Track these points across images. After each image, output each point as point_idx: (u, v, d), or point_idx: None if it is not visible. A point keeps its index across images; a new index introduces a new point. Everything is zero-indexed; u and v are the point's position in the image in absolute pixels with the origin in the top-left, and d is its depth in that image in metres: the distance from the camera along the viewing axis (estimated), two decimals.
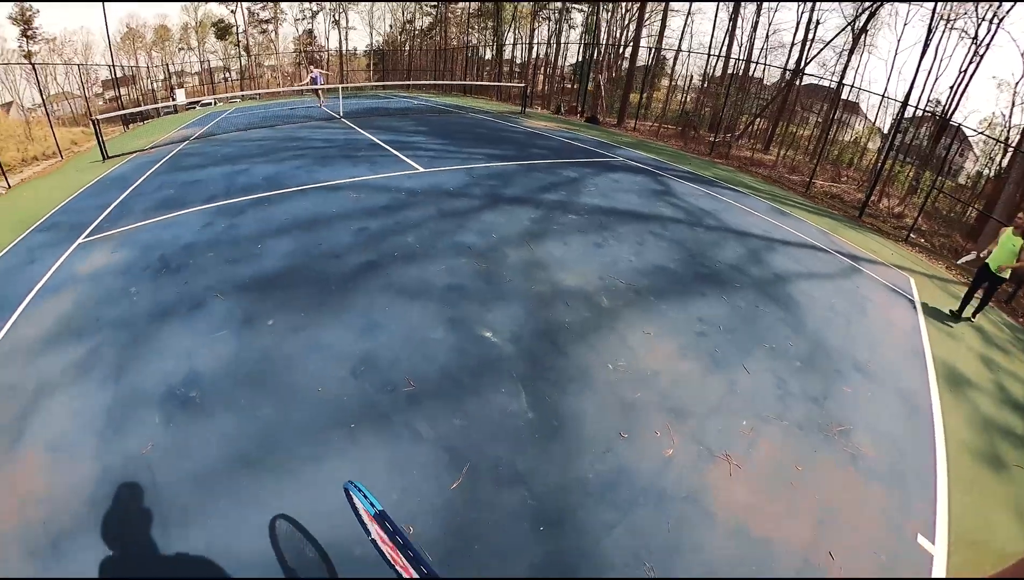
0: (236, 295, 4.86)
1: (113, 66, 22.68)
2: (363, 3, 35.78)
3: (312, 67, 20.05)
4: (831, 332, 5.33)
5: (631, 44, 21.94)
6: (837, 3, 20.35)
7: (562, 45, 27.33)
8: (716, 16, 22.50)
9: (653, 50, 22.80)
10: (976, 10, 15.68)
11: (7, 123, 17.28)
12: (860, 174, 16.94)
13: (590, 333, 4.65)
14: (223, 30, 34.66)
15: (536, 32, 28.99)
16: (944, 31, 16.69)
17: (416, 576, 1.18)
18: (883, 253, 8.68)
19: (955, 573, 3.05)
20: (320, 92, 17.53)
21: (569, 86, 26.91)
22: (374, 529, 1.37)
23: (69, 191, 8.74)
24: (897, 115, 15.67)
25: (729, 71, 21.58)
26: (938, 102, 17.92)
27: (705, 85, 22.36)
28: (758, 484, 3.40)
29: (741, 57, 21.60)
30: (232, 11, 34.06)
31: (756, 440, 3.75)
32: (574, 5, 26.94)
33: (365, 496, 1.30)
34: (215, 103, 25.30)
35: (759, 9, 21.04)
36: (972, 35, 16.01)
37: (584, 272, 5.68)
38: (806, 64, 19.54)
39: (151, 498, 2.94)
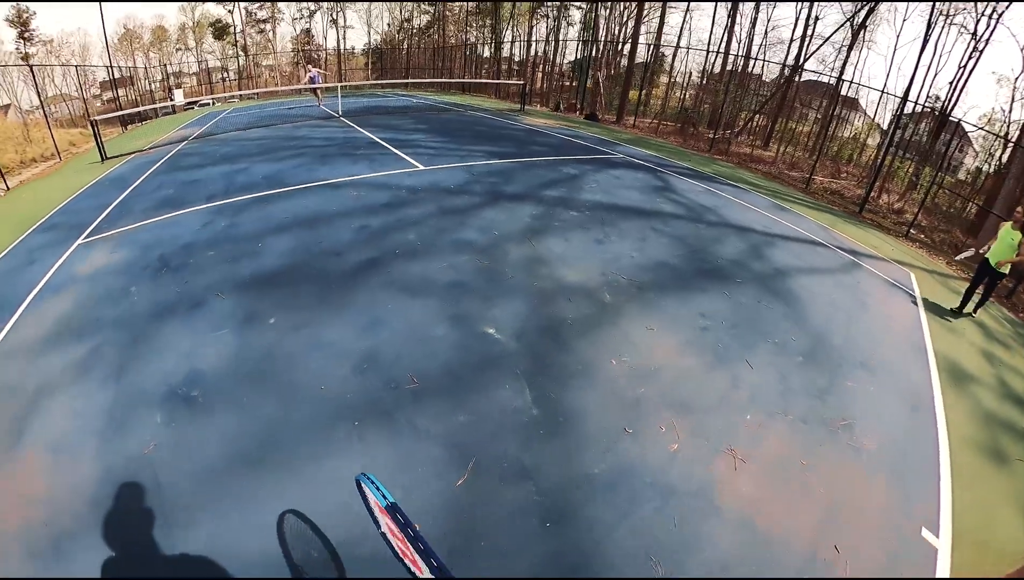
0: (237, 294, 4.85)
1: (111, 67, 22.62)
2: (361, 3, 35.77)
3: (310, 66, 19.99)
4: (833, 327, 5.32)
5: (630, 41, 21.92)
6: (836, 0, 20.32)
7: (560, 42, 27.31)
8: (715, 12, 22.49)
9: (652, 47, 22.77)
10: (975, 6, 15.66)
11: (5, 125, 17.24)
12: (860, 170, 16.93)
13: (593, 329, 4.65)
14: (220, 30, 34.59)
15: (534, 30, 28.95)
16: (943, 27, 16.68)
17: (426, 570, 1.17)
18: (884, 249, 8.67)
19: (960, 569, 3.05)
20: (318, 91, 17.50)
21: (568, 84, 26.87)
22: (385, 522, 1.36)
23: (68, 192, 8.71)
24: (897, 110, 15.66)
25: (728, 67, 21.57)
26: (937, 98, 17.91)
27: (704, 82, 22.34)
28: (764, 478, 3.40)
29: (740, 53, 21.59)
30: (229, 11, 34.01)
31: (761, 434, 3.75)
32: (572, 3, 26.92)
33: (377, 488, 1.30)
34: (213, 103, 25.26)
35: (758, 5, 21.02)
36: (971, 31, 16.00)
37: (586, 268, 5.68)
38: (805, 60, 19.53)
39: (153, 498, 2.93)
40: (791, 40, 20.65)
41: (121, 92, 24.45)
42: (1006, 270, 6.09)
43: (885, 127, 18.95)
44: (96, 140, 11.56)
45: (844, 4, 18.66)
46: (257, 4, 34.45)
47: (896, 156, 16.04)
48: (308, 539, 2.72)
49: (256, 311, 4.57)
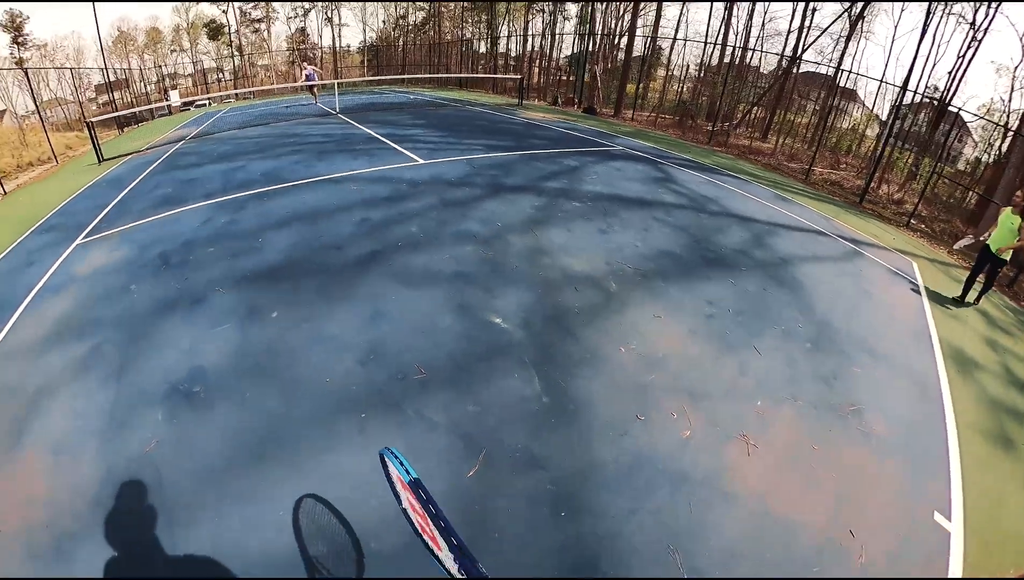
0: (238, 289, 4.81)
1: (106, 69, 22.51)
2: (355, 1, 35.62)
3: (306, 64, 19.90)
4: (838, 314, 5.31)
5: (626, 34, 21.83)
6: None
7: (557, 37, 27.21)
8: (712, 4, 22.40)
9: (649, 39, 22.69)
10: None
11: (1, 130, 17.16)
12: (859, 161, 16.90)
13: (600, 317, 4.62)
14: (215, 30, 34.41)
15: (530, 24, 28.84)
16: (942, 16, 16.60)
17: (445, 547, 1.14)
18: (885, 238, 8.65)
19: (974, 553, 3.03)
20: (315, 89, 17.40)
21: (565, 78, 26.80)
22: (406, 497, 1.35)
23: (66, 194, 8.66)
24: (896, 100, 15.62)
25: (726, 59, 21.49)
26: (936, 88, 17.86)
27: (702, 74, 22.27)
28: (776, 464, 3.38)
29: (738, 45, 21.50)
30: (224, 11, 33.83)
31: (771, 420, 3.73)
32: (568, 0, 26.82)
33: (401, 463, 1.27)
34: (209, 103, 25.17)
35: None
36: (970, 20, 15.92)
37: (591, 258, 5.65)
38: (803, 51, 19.45)
39: (155, 497, 2.89)
40: (788, 31, 20.58)
41: (117, 95, 24.35)
42: (1007, 257, 6.04)
43: (884, 118, 18.90)
44: (93, 142, 11.49)
45: None
46: (251, 4, 34.29)
47: (895, 147, 16.00)
48: (316, 535, 2.69)
49: (258, 306, 4.53)
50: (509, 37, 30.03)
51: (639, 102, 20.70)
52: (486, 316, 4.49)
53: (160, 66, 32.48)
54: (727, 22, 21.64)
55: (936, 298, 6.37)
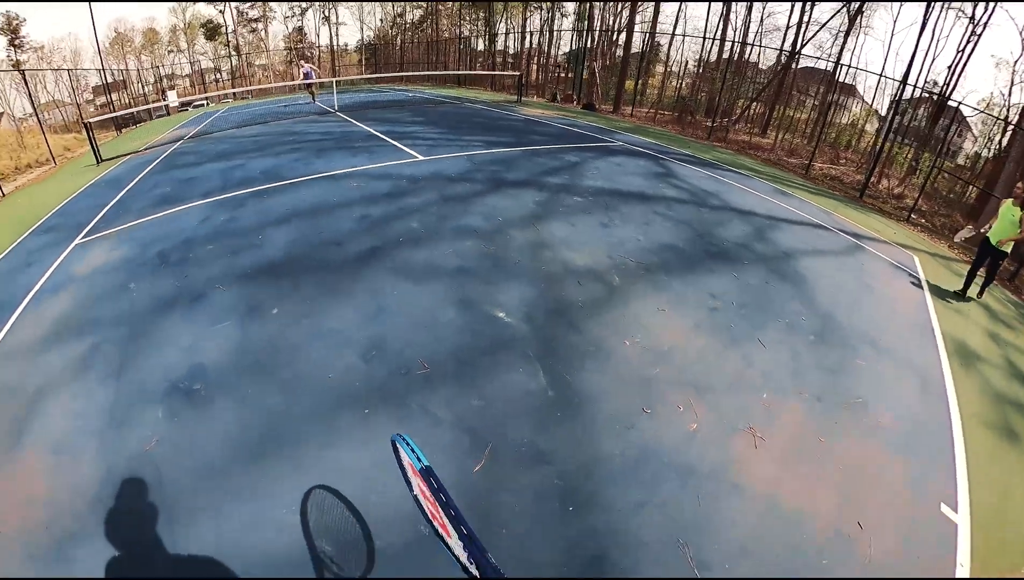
0: (238, 286, 4.78)
1: (103, 71, 22.45)
2: (353, 0, 35.54)
3: (303, 62, 19.83)
4: (841, 307, 5.30)
5: (625, 31, 21.77)
6: None
7: (555, 33, 27.15)
8: (710, 3, 22.35)
9: (647, 35, 22.64)
10: None
11: None
12: (859, 156, 16.87)
13: (604, 311, 4.60)
14: (212, 31, 34.32)
15: (528, 21, 28.77)
16: (941, 10, 16.56)
17: (455, 535, 1.13)
18: (886, 232, 8.64)
19: (981, 545, 3.03)
20: (313, 88, 17.35)
21: (563, 75, 26.75)
22: (417, 483, 1.35)
23: (64, 195, 8.63)
24: (896, 94, 15.58)
25: (724, 55, 21.46)
26: (935, 83, 17.83)
27: (700, 70, 22.23)
28: (783, 456, 3.37)
29: (736, 40, 21.47)
30: (220, 11, 33.74)
31: (777, 413, 3.72)
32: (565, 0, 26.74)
33: (412, 450, 1.27)
34: (207, 103, 25.10)
35: None
36: (969, 14, 15.89)
37: (593, 252, 5.63)
38: (802, 47, 19.42)
39: (156, 495, 2.86)
40: (787, 26, 20.55)
41: (114, 96, 24.28)
42: (1008, 249, 6.02)
43: (883, 113, 18.87)
44: (91, 143, 11.45)
45: None
46: (248, 3, 34.20)
47: (895, 141, 15.98)
48: (321, 532, 2.66)
49: (258, 303, 4.50)
50: (507, 34, 29.97)
51: (638, 98, 20.67)
52: (489, 310, 4.46)
53: (157, 67, 32.40)
54: (725, 17, 21.60)
55: (938, 292, 6.37)
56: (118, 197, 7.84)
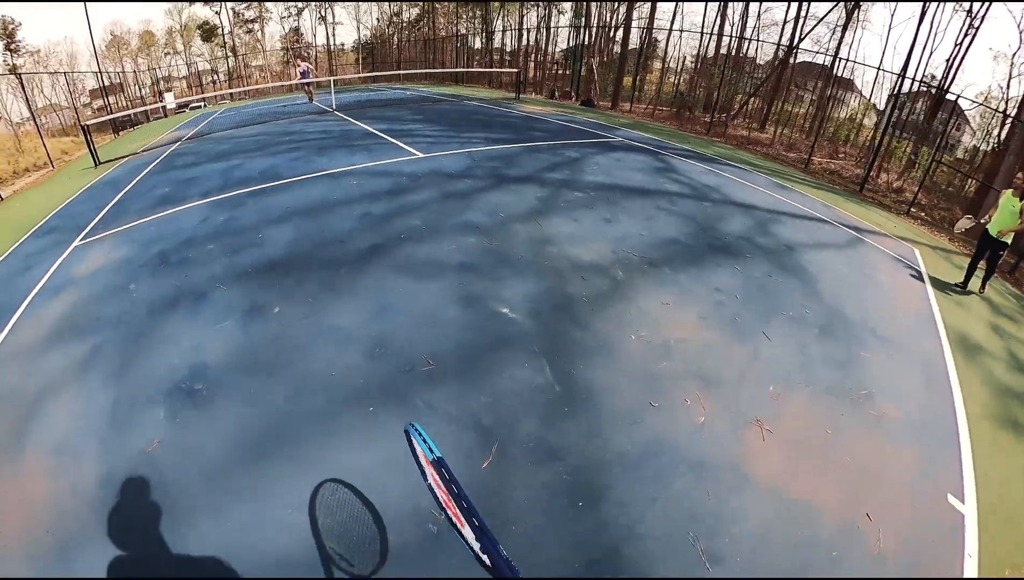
0: (239, 285, 4.75)
1: (100, 73, 22.37)
2: (349, 0, 35.46)
3: (299, 61, 19.77)
4: (844, 300, 5.29)
5: (622, 27, 21.73)
6: None
7: (552, 30, 27.09)
8: (706, 3, 22.30)
9: (644, 31, 22.59)
10: None
11: None
12: (857, 150, 16.86)
13: (609, 305, 4.59)
14: (208, 32, 34.23)
15: (525, 19, 28.70)
16: (939, 4, 16.53)
17: (467, 525, 1.15)
18: (887, 226, 8.64)
19: (989, 535, 3.02)
20: (311, 87, 17.29)
21: (561, 72, 26.70)
22: (431, 473, 1.36)
23: (63, 197, 8.59)
24: (895, 87, 15.57)
25: (722, 50, 21.42)
26: (933, 76, 17.80)
27: (698, 65, 22.20)
28: (791, 448, 3.36)
29: (734, 35, 21.42)
30: (216, 12, 33.64)
31: (784, 405, 3.71)
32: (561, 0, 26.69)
33: (424, 441, 1.29)
34: (205, 105, 25.03)
35: None
36: (967, 8, 15.85)
37: (597, 247, 5.62)
38: (800, 41, 19.39)
39: (159, 497, 2.83)
40: (784, 21, 20.52)
41: (111, 99, 24.19)
42: (1008, 240, 5.99)
43: (881, 107, 18.84)
44: (88, 145, 11.40)
45: None
46: (244, 5, 34.10)
47: (894, 135, 15.96)
48: (329, 532, 2.63)
49: (259, 302, 4.48)
50: (504, 32, 29.91)
51: (636, 94, 20.64)
52: (493, 306, 4.44)
53: (154, 69, 32.31)
54: (723, 13, 21.57)
55: (939, 284, 6.37)
56: (117, 198, 7.81)
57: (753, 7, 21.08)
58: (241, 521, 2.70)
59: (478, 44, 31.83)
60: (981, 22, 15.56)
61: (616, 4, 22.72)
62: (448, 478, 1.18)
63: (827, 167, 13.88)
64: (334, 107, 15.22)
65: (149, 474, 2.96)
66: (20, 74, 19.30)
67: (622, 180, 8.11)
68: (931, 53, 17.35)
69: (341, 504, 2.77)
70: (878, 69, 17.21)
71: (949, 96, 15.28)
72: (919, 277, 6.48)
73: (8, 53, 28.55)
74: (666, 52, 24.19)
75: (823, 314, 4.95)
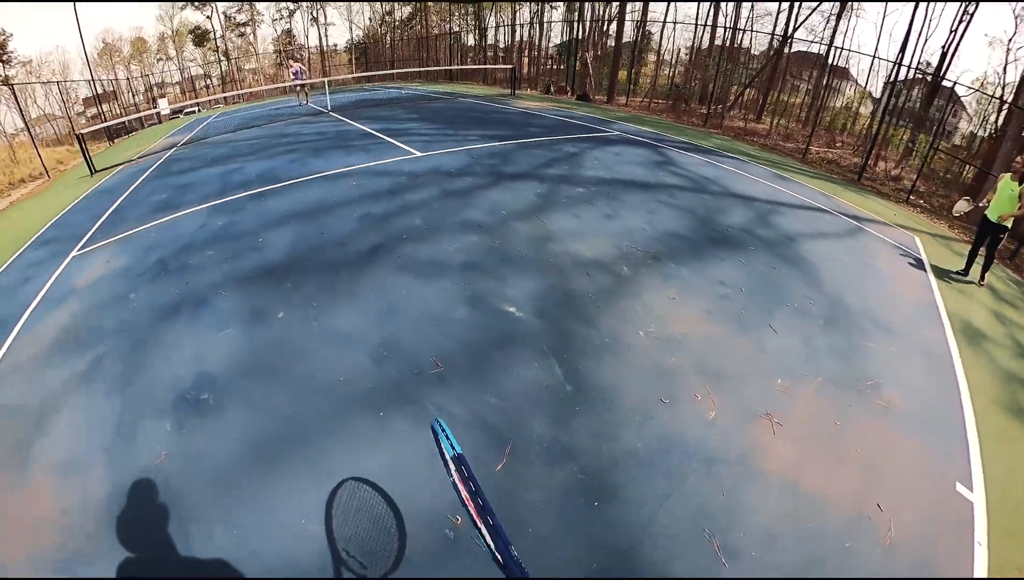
0: (241, 291, 4.72)
1: (93, 81, 22.27)
2: (340, 0, 35.28)
3: (292, 62, 19.68)
4: (847, 290, 5.29)
5: (615, 20, 21.65)
6: None
7: (545, 25, 26.98)
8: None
9: (638, 24, 22.50)
10: None
11: None
12: (854, 139, 16.84)
13: (616, 302, 4.58)
14: (200, 37, 34.06)
15: (518, 14, 28.59)
16: None
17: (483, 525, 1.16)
18: (886, 214, 8.64)
19: (997, 522, 3.02)
20: (305, 88, 17.21)
21: (555, 67, 26.61)
22: (453, 470, 1.38)
23: (59, 207, 8.55)
24: (891, 75, 15.52)
25: (716, 42, 21.35)
26: (929, 63, 17.75)
27: (693, 57, 22.13)
28: (801, 441, 3.36)
29: (727, 26, 21.35)
30: (208, 17, 33.47)
31: (793, 398, 3.70)
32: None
33: (447, 437, 1.31)
34: (199, 110, 24.92)
35: None
36: None
37: (600, 243, 5.61)
38: (794, 31, 19.33)
39: (169, 511, 2.80)
40: (778, 11, 20.46)
41: (105, 106, 24.10)
42: (1008, 224, 5.95)
43: (877, 95, 18.81)
44: (83, 154, 11.35)
45: None
46: (236, 8, 33.93)
47: (890, 123, 15.93)
48: (344, 539, 2.61)
49: (262, 307, 4.45)
50: (497, 28, 29.79)
51: (632, 88, 20.59)
52: (499, 306, 4.42)
53: (147, 75, 32.16)
54: (716, 3, 21.48)
55: (940, 272, 6.36)
56: (114, 206, 7.77)
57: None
58: (254, 530, 2.68)
59: (471, 41, 31.72)
60: (976, 8, 15.51)
61: (609, 2, 22.63)
62: (467, 475, 1.21)
63: (825, 156, 13.86)
64: (329, 108, 15.15)
65: (157, 487, 2.93)
66: (13, 85, 19.17)
67: (621, 174, 8.09)
68: (926, 40, 17.32)
69: (357, 510, 2.75)
70: (873, 57, 17.17)
71: (945, 83, 15.24)
72: (920, 265, 6.47)
73: (0, 64, 28.37)
74: (660, 45, 24.12)
75: (827, 305, 4.94)
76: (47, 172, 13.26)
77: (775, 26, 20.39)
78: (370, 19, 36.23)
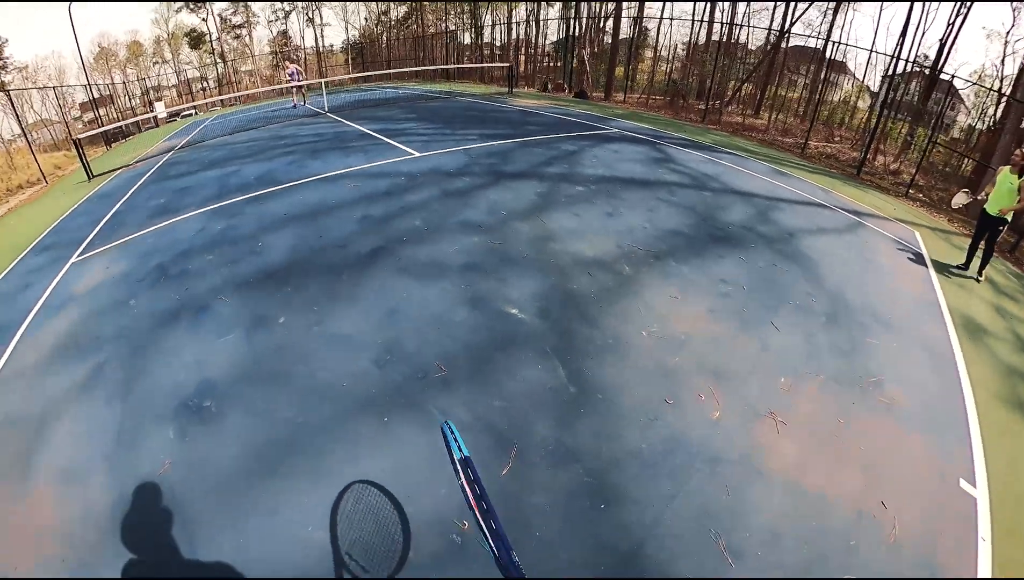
0: (241, 296, 4.71)
1: (89, 86, 22.21)
2: (336, 0, 35.22)
3: (288, 63, 19.61)
4: (848, 286, 5.28)
5: (612, 17, 21.59)
6: None
7: (541, 23, 26.92)
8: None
9: (635, 21, 22.45)
10: None
11: None
12: (853, 133, 16.82)
13: (618, 301, 4.57)
14: (196, 39, 34.02)
15: (514, 12, 28.51)
16: None
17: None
18: (886, 208, 8.62)
19: (1001, 517, 3.03)
20: (302, 90, 17.15)
21: (552, 64, 26.56)
22: (460, 473, 1.39)
23: (58, 213, 8.52)
24: (889, 69, 15.49)
25: (714, 37, 21.30)
26: (926, 56, 17.72)
27: (690, 53, 22.08)
28: (805, 440, 3.36)
29: (724, 21, 21.29)
30: (203, 19, 33.40)
31: (796, 396, 3.70)
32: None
33: (455, 439, 1.34)
34: (196, 112, 24.87)
35: None
36: None
37: (601, 242, 5.60)
38: (791, 25, 19.30)
39: (174, 521, 2.79)
40: (775, 5, 20.40)
41: (102, 111, 24.04)
42: (1009, 217, 5.93)
43: (875, 88, 18.78)
44: (81, 159, 11.31)
45: None
46: (231, 10, 33.84)
47: (889, 117, 15.90)
48: (350, 547, 2.61)
49: (263, 312, 4.43)
50: (494, 26, 29.72)
51: (629, 84, 20.55)
52: (502, 307, 4.41)
53: (143, 79, 32.10)
54: (712, 1, 21.41)
55: (940, 266, 6.35)
56: (112, 212, 7.75)
57: None
58: (261, 538, 2.68)
59: (468, 40, 31.64)
60: (971, 3, 15.46)
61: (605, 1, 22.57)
62: (472, 478, 1.23)
63: (824, 151, 13.84)
64: (326, 109, 15.12)
65: (163, 497, 2.92)
66: (9, 91, 19.11)
67: (621, 172, 8.08)
68: (924, 33, 17.28)
69: (362, 515, 2.75)
70: (871, 51, 17.15)
71: (943, 76, 15.21)
72: (921, 260, 6.46)
73: None
74: (657, 41, 24.06)
75: (828, 302, 4.93)
76: (45, 178, 13.23)
77: (771, 21, 20.36)
78: (366, 19, 36.16)
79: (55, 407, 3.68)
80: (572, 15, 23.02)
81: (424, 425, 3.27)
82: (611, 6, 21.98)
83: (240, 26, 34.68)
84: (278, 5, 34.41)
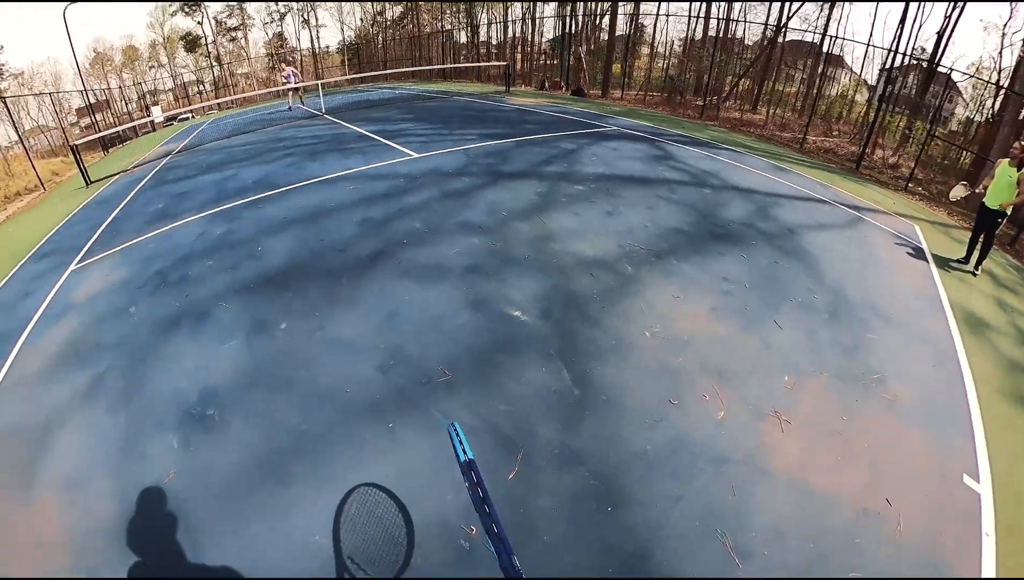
0: (242, 302, 4.69)
1: (85, 91, 22.13)
2: (331, 1, 35.11)
3: (284, 65, 19.54)
4: (849, 282, 5.28)
5: (608, 14, 21.54)
6: None
7: (537, 21, 26.84)
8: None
9: (631, 17, 22.40)
10: None
11: None
12: (851, 127, 16.79)
13: (620, 302, 4.56)
14: (192, 43, 33.92)
15: (510, 10, 28.44)
16: None
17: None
18: (885, 203, 8.62)
19: (1004, 512, 3.03)
20: (300, 91, 17.11)
21: (549, 62, 26.50)
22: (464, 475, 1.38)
23: (56, 220, 8.50)
24: (887, 62, 15.46)
25: (710, 32, 21.25)
26: (923, 49, 17.68)
27: (687, 49, 22.03)
28: (809, 438, 3.36)
29: (721, 17, 21.23)
30: (199, 22, 33.32)
31: (800, 394, 3.70)
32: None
33: (461, 442, 1.34)
34: (192, 116, 24.82)
35: None
36: None
37: (602, 241, 5.58)
38: (788, 20, 19.24)
39: (180, 530, 2.78)
40: (771, 2, 20.32)
41: (99, 116, 23.95)
42: (1009, 211, 5.92)
43: (872, 82, 18.75)
44: (78, 165, 11.28)
45: None
46: (226, 12, 33.75)
47: (887, 110, 15.88)
48: (356, 553, 2.60)
49: (264, 318, 4.42)
50: (490, 25, 29.65)
51: (626, 81, 20.51)
52: (504, 309, 4.40)
53: (140, 83, 32.02)
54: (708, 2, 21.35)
55: (941, 260, 6.36)
56: (111, 218, 7.73)
57: None
58: (266, 545, 2.67)
59: (464, 39, 31.57)
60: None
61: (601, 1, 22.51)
62: (476, 481, 1.22)
63: (822, 146, 13.83)
64: (323, 111, 15.09)
65: (168, 507, 2.91)
66: (5, 97, 19.06)
67: (620, 170, 8.06)
68: (920, 26, 17.25)
69: (367, 521, 2.74)
70: (868, 45, 17.11)
71: (941, 69, 15.18)
72: (921, 254, 6.46)
73: None
74: (653, 37, 24.00)
75: (830, 298, 4.93)
76: (42, 184, 13.19)
77: (768, 15, 20.30)
78: (361, 19, 36.07)
79: (58, 416, 3.67)
80: (568, 12, 22.96)
81: (430, 431, 3.26)
82: (607, 4, 21.92)
83: (236, 29, 34.59)
84: (273, 7, 34.33)
